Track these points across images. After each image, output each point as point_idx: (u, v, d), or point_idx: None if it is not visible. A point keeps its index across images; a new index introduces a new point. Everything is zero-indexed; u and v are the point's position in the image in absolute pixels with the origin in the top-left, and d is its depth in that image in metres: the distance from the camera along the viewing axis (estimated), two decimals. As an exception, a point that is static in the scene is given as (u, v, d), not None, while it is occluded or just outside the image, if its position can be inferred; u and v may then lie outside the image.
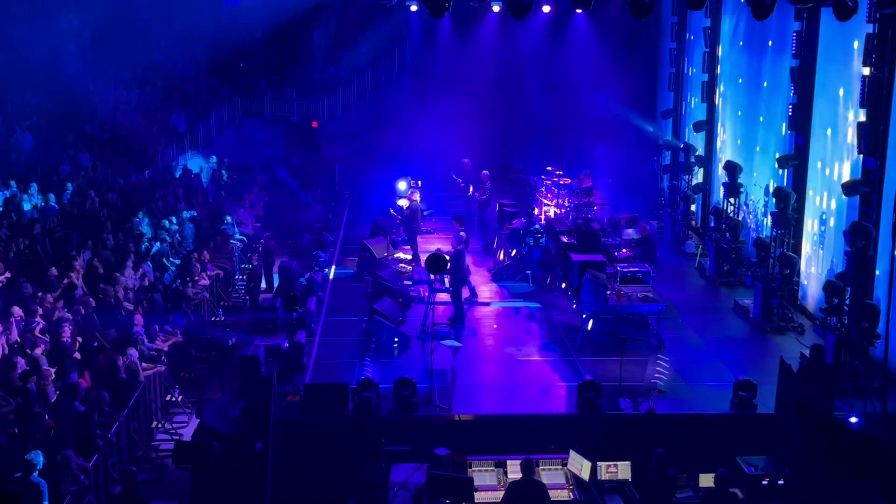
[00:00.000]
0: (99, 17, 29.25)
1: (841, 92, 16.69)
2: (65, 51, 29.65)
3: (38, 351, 14.16)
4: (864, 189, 15.05)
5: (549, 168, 25.23)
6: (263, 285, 20.42)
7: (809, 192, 18.04)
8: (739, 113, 21.99)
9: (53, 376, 13.79)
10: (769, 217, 18.73)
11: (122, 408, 13.53)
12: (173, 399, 15.63)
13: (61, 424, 12.67)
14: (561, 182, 24.14)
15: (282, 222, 24.14)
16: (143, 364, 14.86)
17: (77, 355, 14.56)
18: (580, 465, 12.03)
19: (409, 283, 19.86)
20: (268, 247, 21.20)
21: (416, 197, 22.86)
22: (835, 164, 16.98)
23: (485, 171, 24.73)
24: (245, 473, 12.00)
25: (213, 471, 12.15)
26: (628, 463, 12.19)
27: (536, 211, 23.40)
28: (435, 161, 27.84)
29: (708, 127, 23.72)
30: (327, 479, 12.82)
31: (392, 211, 23.13)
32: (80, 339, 14.96)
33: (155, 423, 14.90)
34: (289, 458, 12.88)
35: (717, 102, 23.39)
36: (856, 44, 15.84)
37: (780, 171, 18.95)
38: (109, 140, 27.34)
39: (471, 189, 24.87)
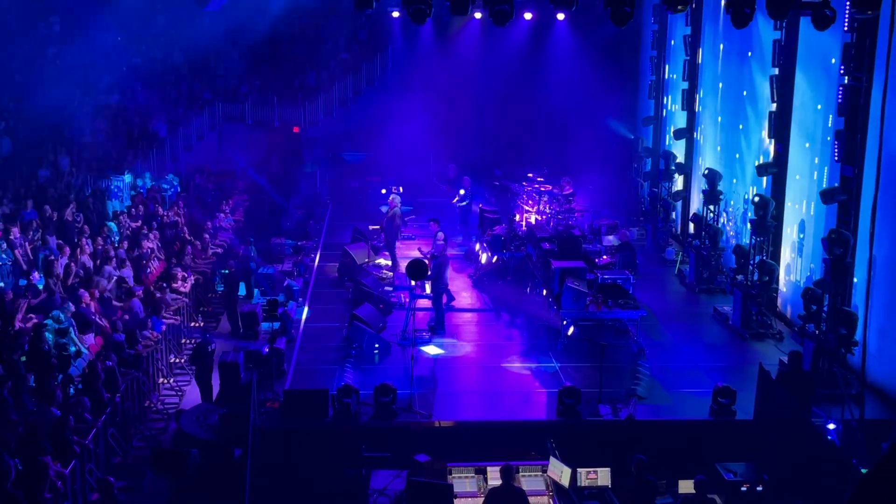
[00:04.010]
0: (79, 21, 29.13)
1: (819, 107, 16.82)
2: (44, 55, 29.50)
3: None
4: (841, 197, 15.16)
5: (530, 174, 25.29)
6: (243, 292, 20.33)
7: (788, 204, 18.16)
8: (719, 119, 22.13)
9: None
10: (748, 224, 18.84)
11: (100, 414, 13.43)
12: (152, 405, 15.52)
13: (38, 431, 12.55)
14: (542, 189, 24.21)
15: (261, 228, 24.06)
16: (122, 369, 14.75)
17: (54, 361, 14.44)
18: (560, 472, 12.03)
19: (390, 288, 19.85)
20: (247, 253, 21.11)
21: (397, 202, 22.84)
22: (813, 172, 17.11)
23: (466, 178, 24.77)
24: (224, 480, 11.93)
25: (191, 478, 12.08)
26: (608, 469, 12.19)
27: (518, 217, 23.44)
28: (416, 166, 27.89)
29: (688, 134, 23.84)
30: (307, 486, 12.77)
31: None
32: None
33: (133, 429, 14.79)
34: (268, 465, 12.82)
35: (697, 110, 23.52)
36: (833, 60, 15.99)
37: (760, 178, 19.06)
38: (89, 145, 27.17)
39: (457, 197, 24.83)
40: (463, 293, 20.13)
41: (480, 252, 21.85)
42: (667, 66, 26.03)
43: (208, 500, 11.94)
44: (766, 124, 18.69)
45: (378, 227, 22.91)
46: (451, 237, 22.33)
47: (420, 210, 25.84)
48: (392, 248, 21.71)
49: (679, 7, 14.34)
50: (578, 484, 12.06)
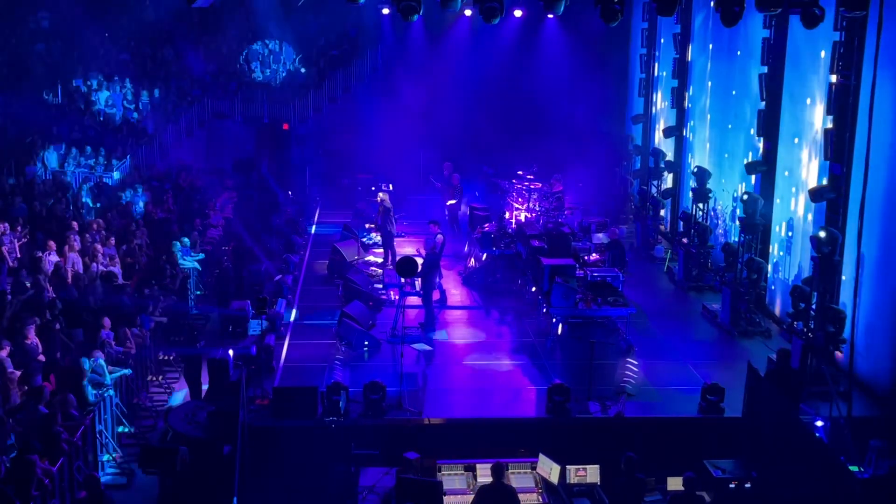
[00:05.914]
0: (68, 16, 29.02)
1: (808, 101, 16.87)
2: (33, 50, 29.38)
3: (3, 353, 13.96)
4: (830, 195, 15.21)
5: (519, 172, 25.27)
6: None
7: (777, 201, 18.21)
8: (709, 117, 22.16)
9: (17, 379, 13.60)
10: (737, 222, 18.89)
11: (87, 411, 13.38)
12: (141, 402, 15.48)
13: (25, 428, 12.50)
14: (532, 186, 24.18)
15: (251, 225, 23.99)
16: (110, 367, 14.69)
17: (41, 357, 14.38)
18: (549, 469, 12.05)
19: (380, 286, 19.82)
20: (238, 250, 21.07)
21: (386, 199, 22.76)
22: (801, 170, 17.16)
23: (455, 175, 24.75)
24: (213, 478, 11.90)
25: (180, 475, 12.05)
26: (597, 466, 12.22)
27: (507, 215, 23.43)
28: (407, 163, 27.85)
29: (677, 132, 23.88)
30: (296, 484, 12.76)
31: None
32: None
33: (122, 426, 14.75)
34: (257, 462, 12.80)
35: (686, 108, 23.56)
36: (822, 53, 16.02)
37: (749, 176, 19.11)
38: (78, 141, 27.06)
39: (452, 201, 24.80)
40: (452, 291, 20.12)
41: (470, 250, 21.83)
42: (656, 64, 26.06)
43: (197, 498, 11.91)
44: (755, 122, 18.72)
45: (373, 224, 22.90)
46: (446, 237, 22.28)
47: (412, 208, 25.79)
48: (389, 246, 21.66)
49: (668, 10, 14.41)
50: (567, 481, 12.08)
